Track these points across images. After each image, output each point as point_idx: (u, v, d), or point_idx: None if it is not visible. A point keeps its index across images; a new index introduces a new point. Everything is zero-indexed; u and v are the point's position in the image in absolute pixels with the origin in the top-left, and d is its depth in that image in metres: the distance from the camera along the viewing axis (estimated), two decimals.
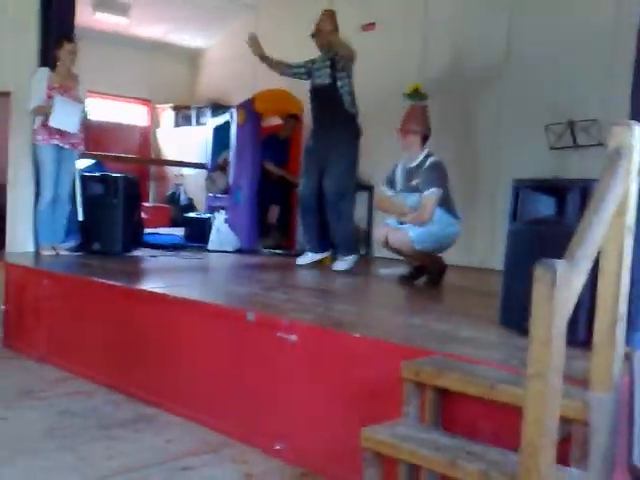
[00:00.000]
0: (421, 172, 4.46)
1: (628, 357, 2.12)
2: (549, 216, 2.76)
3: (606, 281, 1.99)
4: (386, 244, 4.60)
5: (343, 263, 5.11)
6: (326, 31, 5.17)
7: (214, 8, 8.22)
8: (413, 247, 4.41)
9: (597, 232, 1.82)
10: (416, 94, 4.60)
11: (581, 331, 2.47)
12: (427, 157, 4.52)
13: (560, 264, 1.63)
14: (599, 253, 1.94)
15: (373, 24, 6.11)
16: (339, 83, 5.15)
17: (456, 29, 5.94)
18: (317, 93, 5.28)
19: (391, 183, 4.71)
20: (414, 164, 4.55)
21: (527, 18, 5.76)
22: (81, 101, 5.41)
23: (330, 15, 5.25)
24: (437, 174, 4.42)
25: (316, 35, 5.24)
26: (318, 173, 5.18)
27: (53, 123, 5.14)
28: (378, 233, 4.78)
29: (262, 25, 8.29)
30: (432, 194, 4.35)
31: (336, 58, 5.17)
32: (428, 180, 4.39)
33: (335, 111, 5.14)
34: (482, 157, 6.02)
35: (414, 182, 4.50)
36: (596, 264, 1.97)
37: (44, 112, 5.18)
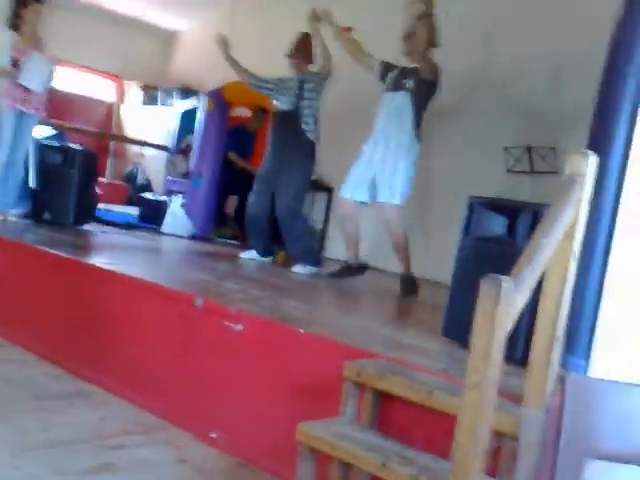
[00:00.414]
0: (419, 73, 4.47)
1: (562, 379, 2.20)
2: (500, 235, 2.84)
3: (547, 303, 2.07)
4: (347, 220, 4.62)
5: (303, 269, 5.11)
6: (301, 59, 5.26)
7: None
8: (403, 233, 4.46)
9: (544, 253, 1.89)
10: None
11: (519, 348, 2.56)
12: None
13: (506, 281, 1.69)
14: (543, 274, 2.01)
15: (350, 28, 6.13)
16: (305, 103, 5.15)
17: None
18: (277, 117, 5.29)
19: (384, 73, 4.72)
20: (412, 65, 4.57)
21: (496, 40, 5.88)
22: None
23: (306, 40, 5.29)
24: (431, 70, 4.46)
25: (291, 58, 5.29)
26: (269, 194, 5.20)
27: (22, 81, 5.03)
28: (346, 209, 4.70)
29: (240, 15, 8.26)
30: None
31: (306, 79, 5.21)
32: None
33: (293, 138, 5.14)
34: (442, 173, 6.12)
35: (404, 81, 4.53)
36: (540, 285, 2.05)
37: (4, 73, 5.06)
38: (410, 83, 4.48)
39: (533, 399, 2.09)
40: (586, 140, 2.52)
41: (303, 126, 5.14)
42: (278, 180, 5.14)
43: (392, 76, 4.66)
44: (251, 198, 5.34)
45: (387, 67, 4.75)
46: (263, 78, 5.44)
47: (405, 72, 4.59)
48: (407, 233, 4.52)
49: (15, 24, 5.15)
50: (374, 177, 4.52)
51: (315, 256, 5.24)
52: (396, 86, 4.56)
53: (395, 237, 4.49)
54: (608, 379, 2.24)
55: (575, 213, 2.02)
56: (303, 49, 5.30)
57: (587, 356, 2.37)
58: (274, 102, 5.37)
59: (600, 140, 2.37)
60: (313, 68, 5.33)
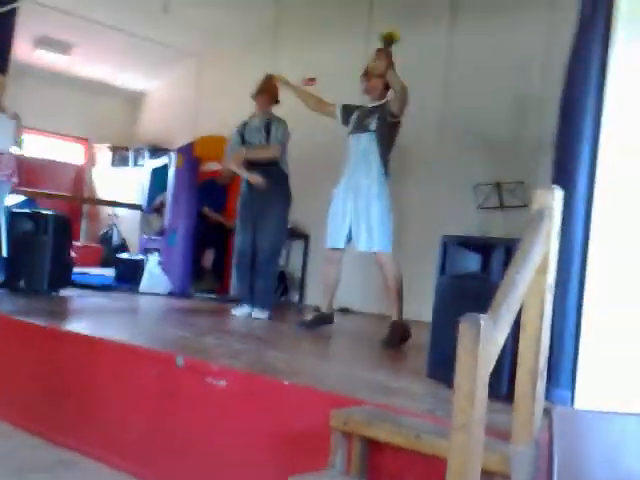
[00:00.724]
0: (382, 109, 4.46)
1: (548, 412, 2.20)
2: (474, 272, 2.87)
3: (527, 337, 2.08)
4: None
5: (262, 314, 5.13)
6: (265, 101, 5.33)
7: (158, 53, 8.28)
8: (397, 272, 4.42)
9: (519, 289, 1.91)
10: (390, 40, 4.55)
11: (503, 384, 2.55)
12: (388, 102, 4.50)
13: (484, 319, 1.70)
14: (521, 309, 2.03)
15: (314, 79, 6.28)
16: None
17: None
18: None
19: (346, 115, 4.72)
20: (375, 104, 4.55)
21: (461, 78, 6.04)
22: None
23: (269, 81, 5.36)
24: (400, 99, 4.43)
25: (256, 100, 5.37)
26: (253, 227, 5.24)
27: None
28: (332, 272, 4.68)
29: (204, 74, 8.41)
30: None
31: (274, 120, 5.30)
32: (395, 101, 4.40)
33: (269, 170, 5.20)
34: (414, 211, 6.18)
35: (367, 121, 4.50)
36: (518, 319, 2.06)
37: None
38: (373, 123, 4.48)
39: (521, 435, 2.08)
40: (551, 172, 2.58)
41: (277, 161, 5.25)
42: (259, 214, 5.19)
43: (354, 117, 4.67)
44: (235, 241, 5.41)
45: (346, 109, 4.77)
46: (234, 133, 5.46)
47: (367, 111, 4.59)
48: (401, 280, 4.45)
49: None
50: (351, 225, 4.51)
51: (271, 302, 5.28)
52: (360, 127, 4.57)
53: (389, 281, 4.44)
54: (594, 409, 2.24)
55: (546, 246, 2.05)
56: (266, 89, 5.37)
57: (572, 387, 2.37)
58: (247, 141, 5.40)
59: (564, 172, 2.42)
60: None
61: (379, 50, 4.54)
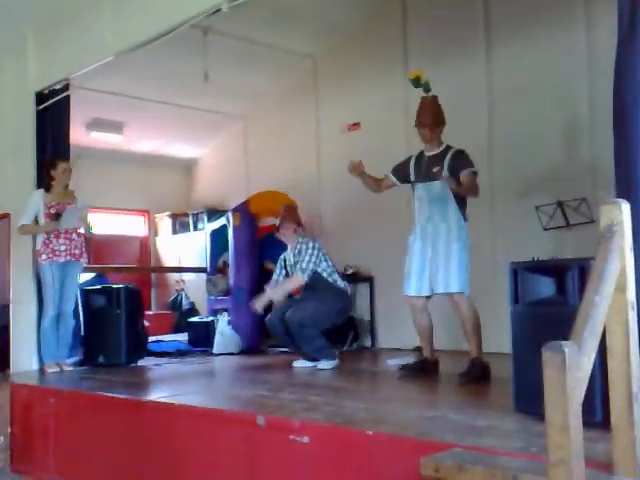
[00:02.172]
0: (448, 158, 4.44)
1: None
2: (550, 296, 2.77)
3: (615, 360, 1.98)
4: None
5: (327, 364, 5.12)
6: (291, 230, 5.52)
7: (205, 120, 8.54)
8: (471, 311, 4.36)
9: (600, 310, 1.83)
10: (417, 81, 4.57)
11: (597, 411, 2.44)
12: (449, 147, 4.53)
13: (567, 346, 1.64)
14: (605, 331, 1.94)
15: (358, 124, 6.34)
16: (311, 266, 5.34)
17: None
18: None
19: (401, 174, 4.70)
20: (435, 152, 4.54)
21: (505, 106, 5.98)
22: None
23: (291, 212, 5.65)
24: (468, 158, 4.43)
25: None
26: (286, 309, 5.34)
27: (63, 227, 5.28)
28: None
29: (250, 134, 8.62)
30: (475, 172, 4.38)
31: (301, 244, 5.42)
32: (464, 161, 4.41)
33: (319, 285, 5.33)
34: (479, 240, 6.07)
35: (435, 169, 4.47)
36: (604, 341, 1.97)
37: (29, 231, 5.40)
38: (441, 172, 4.44)
39: (625, 464, 1.97)
40: (613, 187, 2.50)
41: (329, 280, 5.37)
42: (295, 303, 5.38)
43: (414, 167, 4.63)
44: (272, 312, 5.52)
45: (399, 170, 4.75)
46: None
47: (430, 160, 4.55)
48: (479, 317, 4.36)
49: (48, 185, 5.44)
50: (431, 272, 4.46)
51: (329, 351, 5.24)
52: (428, 176, 4.52)
53: (466, 322, 4.35)
54: None
55: (622, 263, 1.97)
56: (290, 217, 5.58)
57: None
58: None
59: (628, 185, 2.34)
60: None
61: (423, 99, 4.59)
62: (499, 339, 5.33)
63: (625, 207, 2.00)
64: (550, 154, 5.59)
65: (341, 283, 5.41)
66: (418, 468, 2.28)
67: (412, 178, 4.65)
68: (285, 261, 5.61)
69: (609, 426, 2.06)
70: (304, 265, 5.32)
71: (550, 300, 2.77)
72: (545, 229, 5.45)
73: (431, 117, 4.52)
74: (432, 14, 6.49)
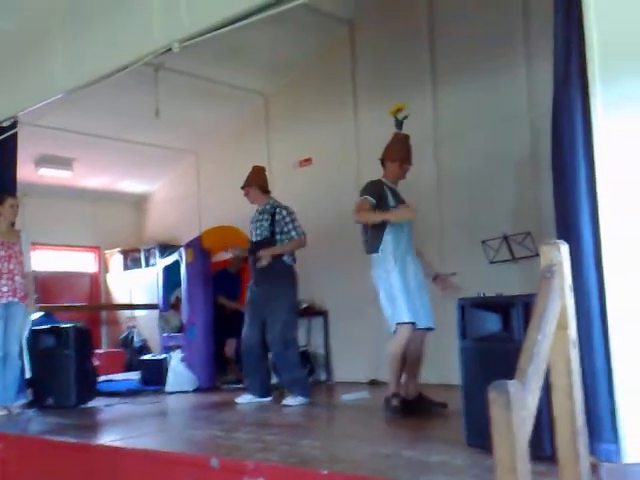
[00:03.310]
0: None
1: (594, 469, 2.13)
2: (496, 332, 2.84)
3: (559, 396, 2.04)
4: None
5: (293, 401, 5.04)
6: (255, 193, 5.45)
7: (156, 155, 8.51)
8: None
9: (543, 348, 1.89)
10: (400, 112, 4.66)
11: (546, 445, 2.49)
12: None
13: (512, 385, 1.68)
14: (548, 369, 2.00)
15: (309, 159, 6.42)
16: (278, 237, 5.30)
17: None
18: (256, 246, 5.36)
19: (377, 196, 4.48)
20: (396, 189, 4.61)
21: (451, 143, 6.16)
22: (22, 254, 5.39)
23: (259, 174, 5.57)
24: None
25: (244, 188, 5.51)
26: (261, 323, 5.26)
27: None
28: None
29: (202, 169, 8.64)
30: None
31: (277, 210, 5.36)
32: None
33: (272, 265, 5.25)
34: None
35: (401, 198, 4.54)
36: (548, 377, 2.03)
37: None
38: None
39: None
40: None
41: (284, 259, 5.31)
42: (265, 309, 5.21)
43: (395, 198, 4.57)
44: (243, 332, 5.39)
45: (376, 191, 4.53)
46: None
47: (398, 194, 4.62)
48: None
49: None
50: (425, 301, 4.44)
51: (305, 387, 5.20)
52: (400, 202, 4.55)
53: (422, 356, 4.42)
54: None
55: (562, 301, 2.04)
56: (255, 179, 5.50)
57: (615, 440, 2.31)
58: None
59: (567, 225, 2.43)
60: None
61: (402, 136, 4.67)
62: (451, 371, 5.42)
63: (564, 248, 2.08)
64: (495, 190, 5.76)
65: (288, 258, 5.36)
66: None
67: (392, 203, 4.48)
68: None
69: (556, 460, 2.11)
70: (297, 227, 5.30)
71: (496, 336, 2.84)
72: (491, 262, 5.59)
73: (408, 154, 4.63)
74: (380, 53, 6.68)
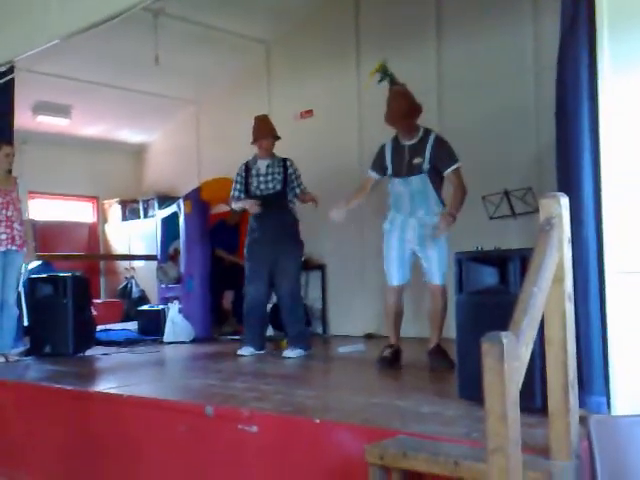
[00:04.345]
0: (429, 147, 4.27)
1: (584, 421, 2.15)
2: (492, 286, 2.84)
3: (553, 349, 2.05)
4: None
5: (292, 353, 5.05)
6: (271, 144, 5.26)
7: (155, 104, 8.38)
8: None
9: (538, 301, 1.89)
10: (384, 72, 4.35)
11: (538, 397, 2.51)
12: (427, 131, 4.33)
13: (506, 336, 1.68)
14: (543, 321, 2.00)
15: (311, 111, 6.33)
16: (292, 186, 5.24)
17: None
18: (266, 200, 5.19)
19: (379, 167, 4.44)
20: (413, 141, 4.32)
21: (454, 96, 6.06)
22: (20, 202, 5.35)
23: (270, 123, 5.36)
24: (450, 149, 4.29)
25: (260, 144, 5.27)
26: (269, 277, 5.17)
27: None
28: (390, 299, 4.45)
29: (202, 119, 8.52)
30: (459, 168, 4.24)
31: (287, 163, 5.27)
32: (447, 154, 4.25)
33: (283, 216, 5.20)
34: None
35: (416, 161, 4.27)
36: (542, 329, 2.03)
37: None
38: (422, 165, 4.28)
39: (560, 450, 2.04)
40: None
41: (292, 203, 5.27)
42: (275, 264, 5.13)
43: (397, 161, 4.38)
44: (248, 288, 5.26)
45: (378, 163, 4.48)
46: (237, 189, 5.36)
47: (410, 152, 4.32)
48: (448, 308, 4.26)
49: None
50: (413, 256, 4.38)
51: (307, 340, 5.23)
52: (409, 170, 4.32)
53: (439, 312, 4.33)
54: (631, 414, 2.19)
55: (559, 254, 2.03)
56: (271, 130, 5.33)
57: (606, 393, 2.32)
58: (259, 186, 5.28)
59: (569, 178, 2.40)
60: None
61: (394, 91, 4.40)
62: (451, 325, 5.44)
63: (564, 200, 2.06)
64: (497, 145, 5.69)
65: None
66: (364, 455, 2.32)
67: (389, 172, 4.40)
68: (248, 173, 5.29)
69: (547, 412, 2.13)
70: (301, 183, 5.27)
71: (493, 289, 2.83)
72: (491, 218, 5.56)
73: (409, 108, 4.29)
74: (384, 3, 6.52)
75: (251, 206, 5.18)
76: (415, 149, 4.32)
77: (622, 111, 2.38)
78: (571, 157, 2.40)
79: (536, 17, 5.54)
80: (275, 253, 5.13)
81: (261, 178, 5.27)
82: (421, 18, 6.27)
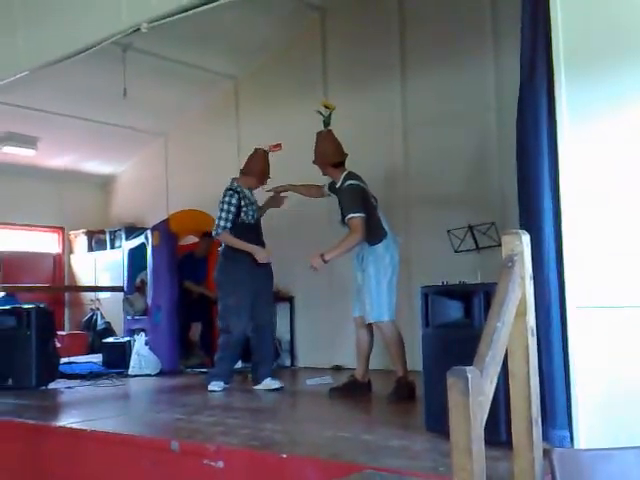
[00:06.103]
0: (340, 195, 4.63)
1: (547, 454, 2.18)
2: (457, 320, 2.88)
3: (516, 383, 2.08)
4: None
5: (276, 383, 5.02)
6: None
7: (123, 136, 8.37)
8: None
9: (502, 336, 1.92)
10: (329, 109, 4.88)
11: (502, 431, 2.54)
12: (345, 178, 4.67)
13: (470, 371, 1.71)
14: (507, 355, 2.03)
15: (279, 145, 6.37)
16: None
17: (357, 146, 6.27)
18: (257, 227, 5.29)
19: (332, 191, 4.87)
20: (338, 184, 4.72)
21: (419, 133, 6.18)
22: None
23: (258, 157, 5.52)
24: (350, 196, 4.54)
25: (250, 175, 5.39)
26: (251, 307, 5.09)
27: None
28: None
29: (171, 151, 8.53)
30: (353, 218, 4.46)
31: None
32: (346, 204, 4.55)
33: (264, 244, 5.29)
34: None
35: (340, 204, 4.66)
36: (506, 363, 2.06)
37: None
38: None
39: None
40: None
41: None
42: (260, 288, 5.12)
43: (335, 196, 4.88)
44: (236, 322, 5.05)
45: (331, 187, 4.90)
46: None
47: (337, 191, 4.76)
48: (402, 339, 4.51)
49: None
50: (360, 294, 4.61)
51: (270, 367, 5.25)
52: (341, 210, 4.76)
53: (390, 346, 4.49)
54: (593, 448, 2.23)
55: (522, 291, 2.07)
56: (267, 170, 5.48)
57: (569, 427, 2.36)
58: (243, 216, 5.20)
59: (531, 216, 2.47)
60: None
61: (325, 134, 4.85)
62: (413, 358, 5.49)
63: (525, 238, 2.11)
64: (462, 180, 5.82)
65: None
66: None
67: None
68: (240, 202, 5.17)
69: (512, 445, 2.15)
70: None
71: (458, 323, 2.88)
72: (456, 252, 5.66)
73: (336, 153, 4.75)
74: (350, 40, 6.66)
75: (260, 255, 5.08)
76: (338, 191, 4.74)
77: (580, 156, 2.47)
78: (532, 198, 2.48)
79: (497, 57, 5.71)
80: (262, 282, 5.15)
81: (254, 206, 5.31)
82: (386, 56, 6.41)
